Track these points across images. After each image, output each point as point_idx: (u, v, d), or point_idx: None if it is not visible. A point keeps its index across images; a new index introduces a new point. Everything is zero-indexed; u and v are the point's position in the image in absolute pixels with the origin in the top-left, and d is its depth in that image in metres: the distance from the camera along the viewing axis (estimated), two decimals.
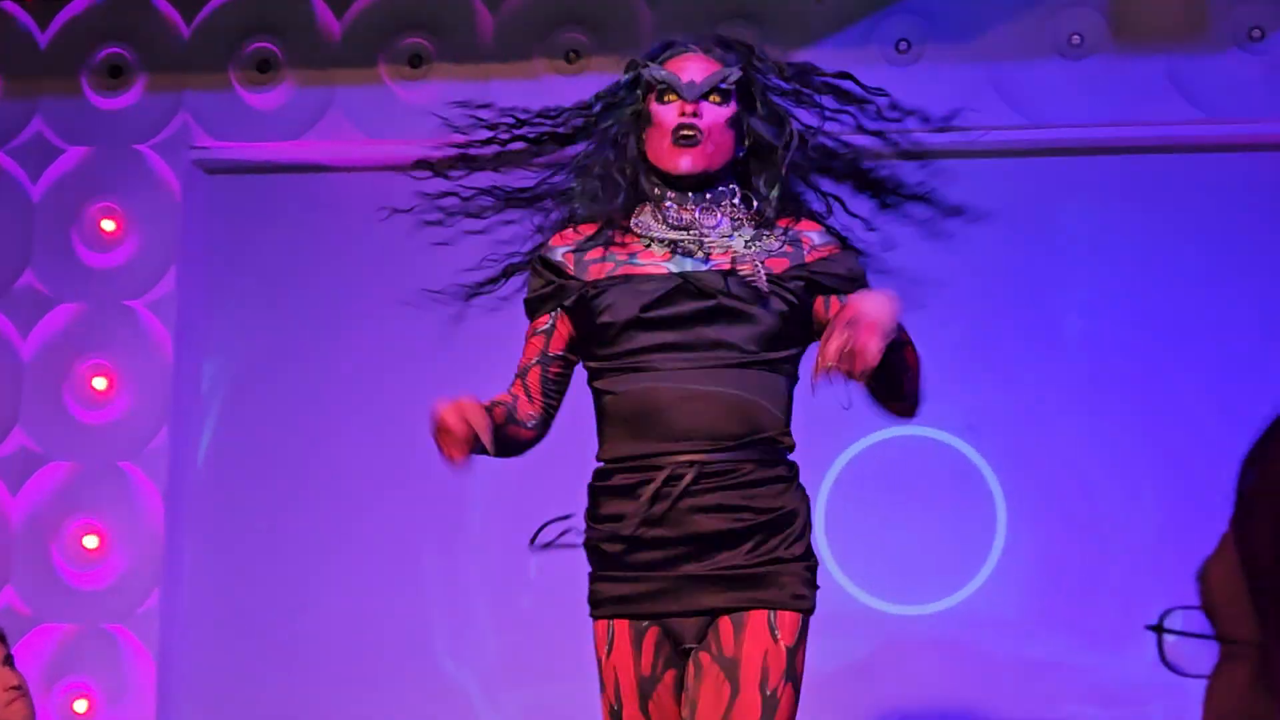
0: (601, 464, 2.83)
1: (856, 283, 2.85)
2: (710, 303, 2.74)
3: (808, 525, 2.79)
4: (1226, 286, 4.77)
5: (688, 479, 2.66)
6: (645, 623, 2.75)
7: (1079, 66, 4.83)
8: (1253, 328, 4.79)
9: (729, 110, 2.81)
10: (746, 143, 2.86)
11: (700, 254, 2.78)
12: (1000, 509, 4.89)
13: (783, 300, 2.76)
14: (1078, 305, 4.90)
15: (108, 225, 4.99)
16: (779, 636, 2.69)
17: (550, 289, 2.85)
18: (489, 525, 4.92)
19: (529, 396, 2.85)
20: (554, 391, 2.88)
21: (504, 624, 4.91)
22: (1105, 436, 4.86)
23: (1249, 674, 0.65)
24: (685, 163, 2.79)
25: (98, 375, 4.93)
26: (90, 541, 4.99)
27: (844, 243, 2.93)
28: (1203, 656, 0.69)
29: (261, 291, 5.06)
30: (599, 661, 2.82)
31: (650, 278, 2.78)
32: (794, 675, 2.73)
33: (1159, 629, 0.72)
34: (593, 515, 2.80)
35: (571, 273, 2.83)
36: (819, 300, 2.82)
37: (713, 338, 2.73)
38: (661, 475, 2.68)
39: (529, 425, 2.83)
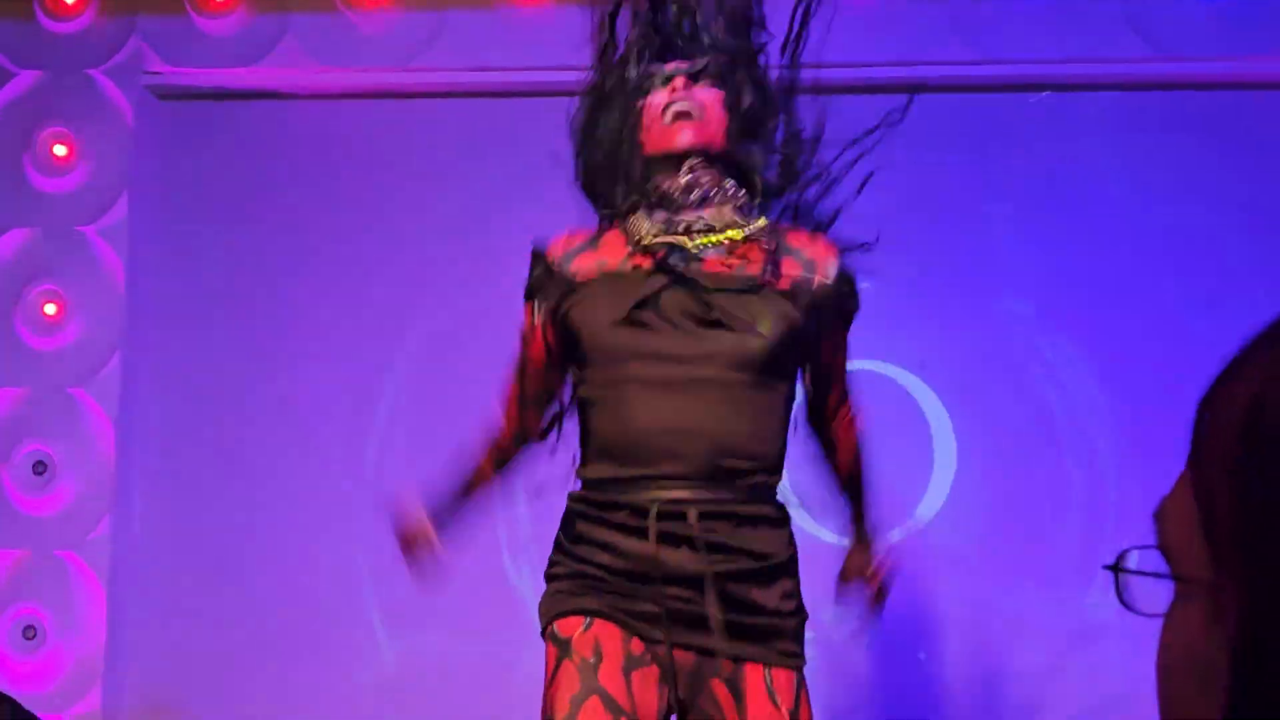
0: (580, 482, 2.69)
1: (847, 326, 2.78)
2: (701, 305, 2.57)
3: (798, 578, 2.67)
4: (1182, 223, 4.81)
5: (691, 517, 2.51)
6: (630, 635, 2.55)
7: (1036, 4, 4.87)
8: (1209, 264, 4.83)
9: (720, 93, 2.68)
10: (738, 144, 2.72)
11: (694, 248, 2.62)
12: (951, 444, 4.96)
13: (785, 314, 2.60)
14: (1032, 240, 4.94)
15: (59, 150, 4.96)
16: (779, 702, 2.54)
17: (537, 281, 2.74)
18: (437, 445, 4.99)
19: (515, 417, 2.78)
20: (540, 403, 2.78)
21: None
22: (1059, 373, 4.90)
23: (1203, 613, 0.67)
24: (686, 135, 2.65)
25: (49, 301, 4.90)
26: (40, 468, 4.98)
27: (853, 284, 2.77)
28: (1159, 596, 0.70)
29: (214, 219, 5.05)
30: (554, 664, 2.58)
31: (637, 276, 2.62)
32: None
33: (1116, 568, 0.73)
34: (572, 539, 2.63)
35: (557, 271, 2.69)
36: (825, 343, 2.71)
37: (701, 351, 2.55)
38: (653, 513, 2.52)
39: (517, 447, 2.79)
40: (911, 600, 4.86)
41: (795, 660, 2.59)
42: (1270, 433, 0.66)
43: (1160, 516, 0.72)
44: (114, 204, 4.95)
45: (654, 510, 2.49)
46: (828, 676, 4.41)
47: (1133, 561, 0.72)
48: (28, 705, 4.21)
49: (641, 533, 2.49)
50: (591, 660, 2.50)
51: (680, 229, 2.62)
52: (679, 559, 2.50)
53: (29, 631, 4.85)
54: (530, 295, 2.74)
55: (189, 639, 5.04)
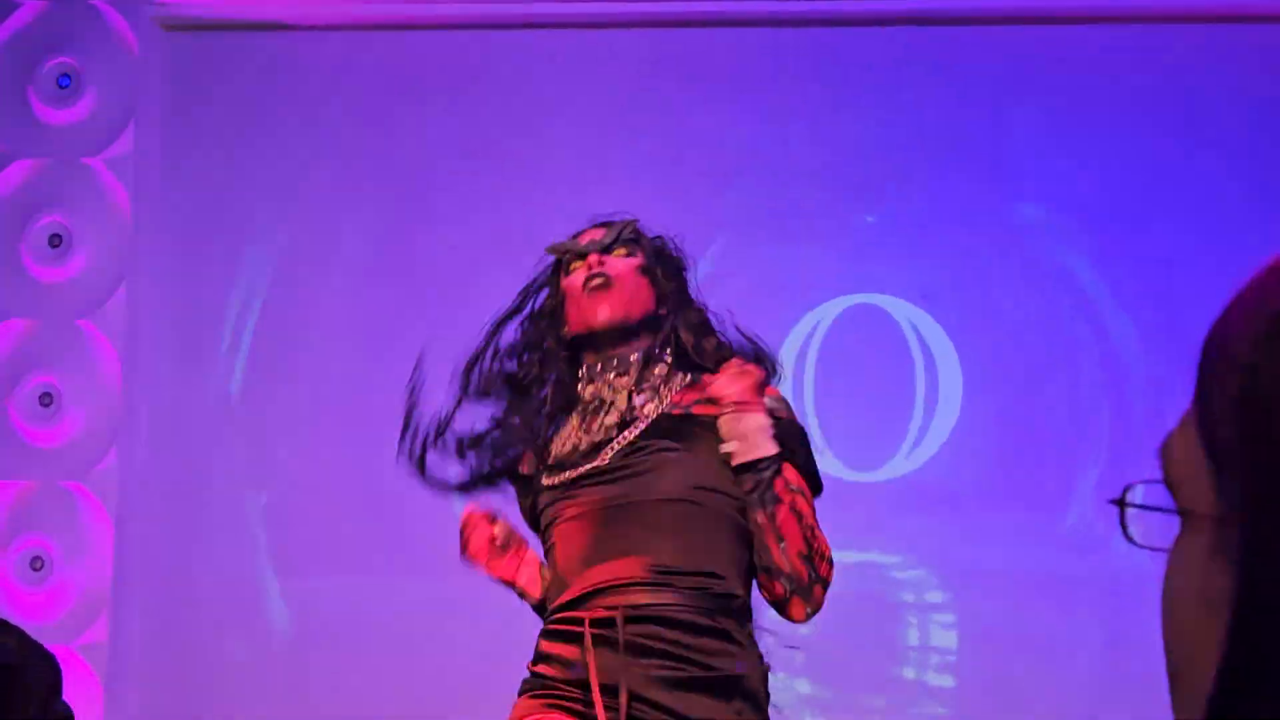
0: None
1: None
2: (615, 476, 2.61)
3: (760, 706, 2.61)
4: (1187, 155, 4.87)
5: (618, 620, 2.53)
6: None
7: None
8: (1210, 200, 4.86)
9: (637, 260, 2.71)
10: (663, 306, 2.73)
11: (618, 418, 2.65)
12: (957, 376, 5.01)
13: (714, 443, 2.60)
14: (1034, 174, 4.98)
15: (65, 82, 5.00)
16: None
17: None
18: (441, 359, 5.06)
19: None
20: None
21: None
22: (1061, 305, 4.97)
23: (1208, 546, 0.68)
24: (603, 311, 2.65)
25: (54, 233, 4.96)
26: (46, 399, 5.04)
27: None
28: (1164, 530, 0.71)
29: (220, 150, 5.10)
30: None
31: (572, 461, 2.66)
32: None
33: (1121, 502, 0.74)
34: (533, 660, 2.68)
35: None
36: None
37: (635, 483, 2.61)
38: (587, 621, 2.57)
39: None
40: (912, 543, 5.11)
41: None
42: (1277, 366, 0.67)
43: (1165, 451, 0.72)
44: (120, 135, 4.98)
45: (588, 619, 2.52)
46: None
47: (1138, 495, 0.73)
48: (35, 636, 4.23)
49: (579, 638, 2.52)
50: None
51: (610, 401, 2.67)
52: (605, 663, 2.50)
53: (36, 562, 4.91)
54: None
55: (196, 569, 5.10)
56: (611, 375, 2.70)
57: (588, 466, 2.60)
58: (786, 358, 5.03)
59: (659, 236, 2.81)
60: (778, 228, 5.13)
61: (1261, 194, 4.74)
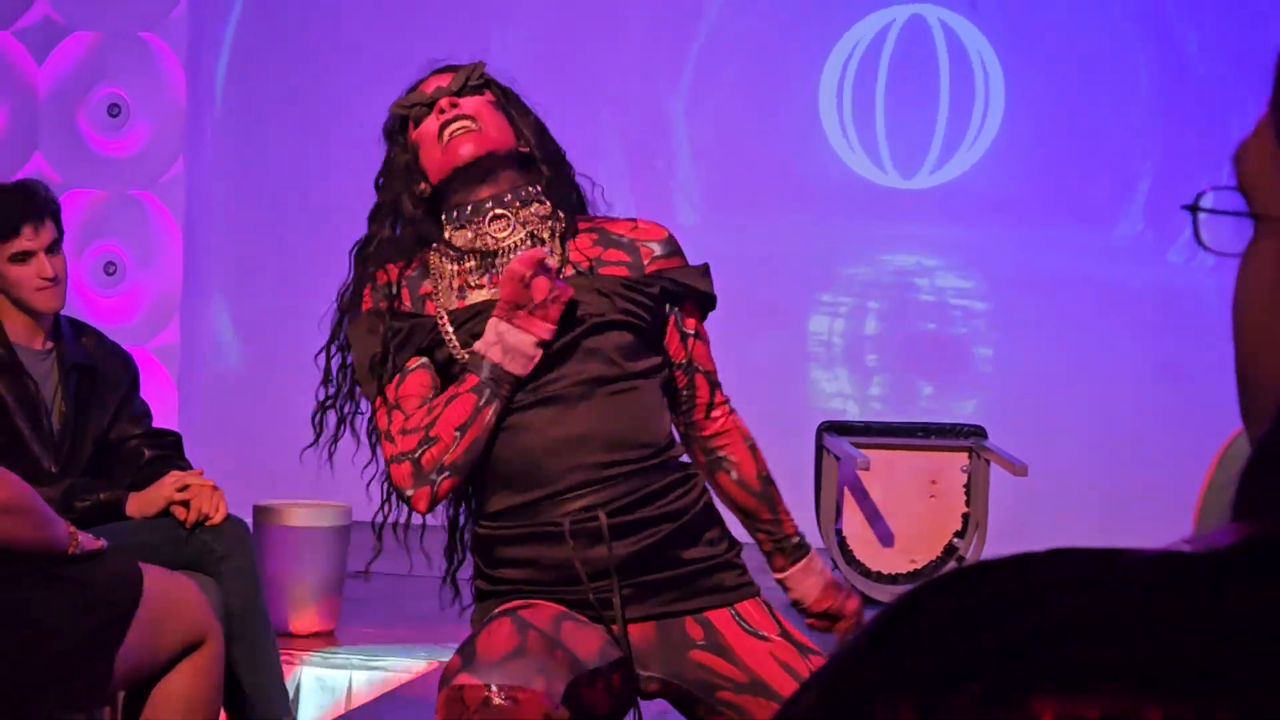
0: (481, 524, 2.61)
1: (708, 296, 2.66)
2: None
3: (719, 518, 2.61)
4: None
5: (601, 523, 2.48)
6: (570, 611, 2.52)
7: None
8: None
9: (490, 97, 2.60)
10: (523, 142, 2.62)
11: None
12: (1000, 85, 5.19)
13: (631, 309, 2.55)
14: None
15: None
16: (763, 631, 2.53)
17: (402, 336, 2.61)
18: None
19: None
20: None
21: None
22: (1116, 10, 5.17)
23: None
24: (466, 149, 2.53)
25: None
26: (115, 110, 5.27)
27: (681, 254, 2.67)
28: (1236, 234, 0.70)
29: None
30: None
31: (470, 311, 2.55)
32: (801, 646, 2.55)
33: (1194, 208, 0.72)
34: (490, 563, 2.59)
35: (409, 309, 2.61)
36: (672, 316, 2.63)
37: (564, 365, 2.53)
38: (568, 530, 2.48)
39: None
40: (956, 244, 5.36)
41: (750, 588, 2.57)
42: None
43: (1239, 156, 0.70)
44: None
45: (567, 524, 2.46)
46: None
47: (1209, 201, 0.71)
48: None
49: (559, 538, 2.47)
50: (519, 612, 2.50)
51: (485, 249, 2.55)
52: (595, 556, 2.48)
53: (109, 268, 5.21)
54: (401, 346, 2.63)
55: (258, 273, 5.42)
56: (486, 220, 2.57)
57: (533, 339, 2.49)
58: (831, 72, 5.38)
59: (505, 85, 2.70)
60: None
61: None
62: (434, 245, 2.59)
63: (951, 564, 4.88)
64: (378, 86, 5.31)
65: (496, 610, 2.44)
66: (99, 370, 4.07)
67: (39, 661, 3.42)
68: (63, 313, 3.97)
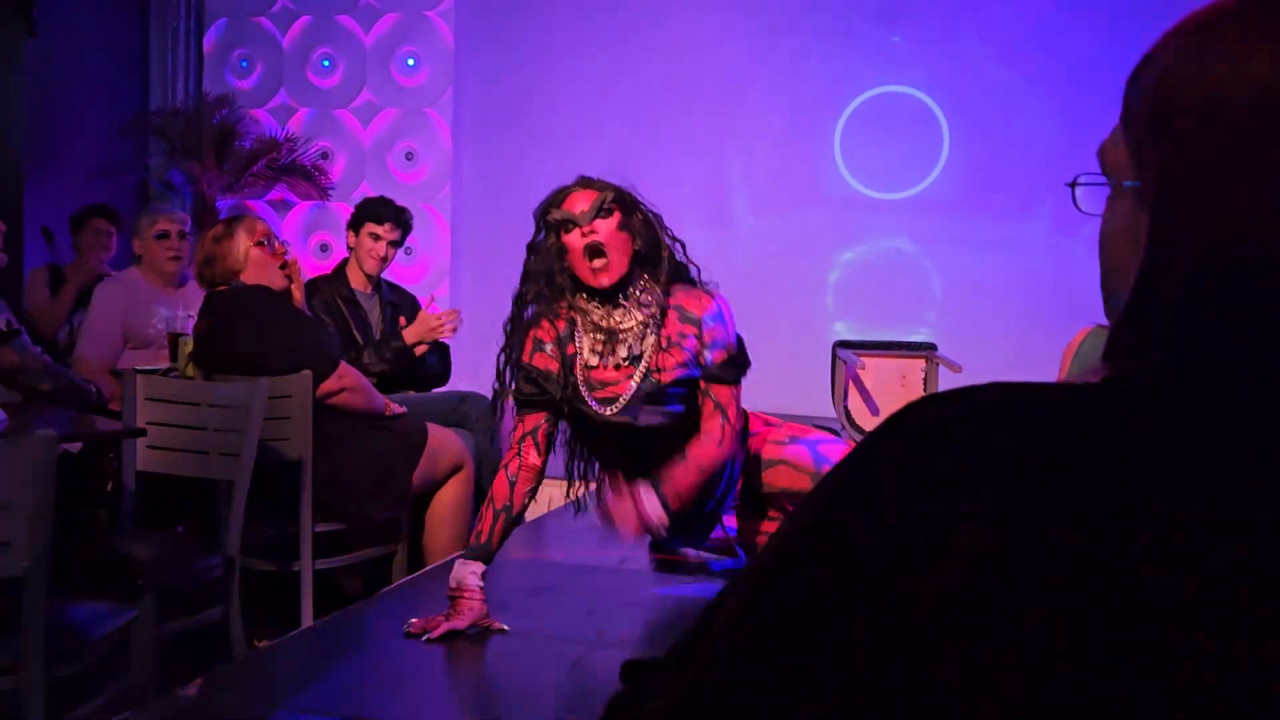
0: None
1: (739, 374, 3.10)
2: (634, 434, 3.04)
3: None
4: None
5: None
6: None
7: None
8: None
9: (617, 217, 2.97)
10: (638, 242, 3.00)
11: (616, 362, 2.99)
12: (946, 135, 6.77)
13: (684, 395, 3.03)
14: None
15: None
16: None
17: (543, 397, 3.05)
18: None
19: (538, 452, 3.05)
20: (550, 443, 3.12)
21: None
22: (1027, 90, 6.55)
23: (1131, 205, 0.80)
24: (604, 279, 2.94)
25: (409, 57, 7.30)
26: (409, 156, 7.25)
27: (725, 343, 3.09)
28: (1096, 202, 0.86)
29: None
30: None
31: (600, 408, 3.01)
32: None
33: (1073, 184, 0.86)
34: None
35: (556, 370, 3.03)
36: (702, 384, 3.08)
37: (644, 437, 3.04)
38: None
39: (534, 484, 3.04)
40: (922, 234, 6.69)
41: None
42: (1183, 69, 0.78)
43: (1102, 152, 0.84)
44: None
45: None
46: None
47: (1083, 179, 0.85)
48: (403, 201, 5.37)
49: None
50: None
51: (608, 331, 3.02)
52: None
53: (408, 250, 6.85)
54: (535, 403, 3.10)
55: (498, 263, 6.23)
56: (612, 309, 3.00)
57: (620, 405, 3.00)
58: (842, 124, 6.73)
59: (622, 189, 3.04)
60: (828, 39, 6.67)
61: None
62: (575, 305, 3.02)
63: None
64: (575, 112, 6.91)
65: None
66: (398, 305, 5.22)
67: (371, 476, 4.22)
68: (383, 275, 5.19)
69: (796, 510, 0.78)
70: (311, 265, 6.93)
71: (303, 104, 7.53)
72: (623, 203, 2.98)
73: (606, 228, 2.93)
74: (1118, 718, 0.63)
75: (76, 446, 4.33)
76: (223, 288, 4.32)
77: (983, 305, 6.67)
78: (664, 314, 2.97)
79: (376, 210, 5.11)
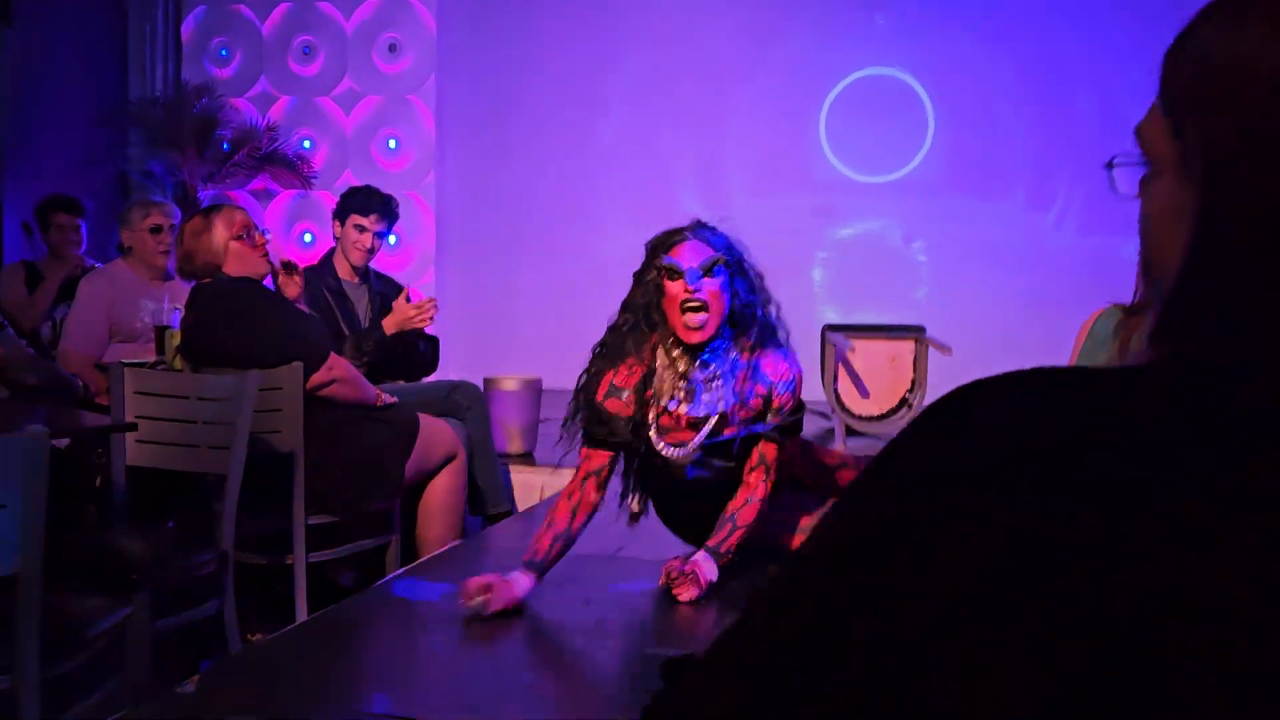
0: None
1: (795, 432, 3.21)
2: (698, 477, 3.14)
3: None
4: None
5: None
6: None
7: None
8: None
9: (720, 279, 2.98)
10: (736, 303, 3.02)
11: (687, 407, 3.06)
12: (931, 117, 6.90)
13: (740, 448, 3.11)
14: None
15: None
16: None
17: (614, 438, 3.11)
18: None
19: (597, 489, 3.10)
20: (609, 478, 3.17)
21: None
22: (1010, 70, 6.68)
23: (1174, 180, 0.78)
24: (696, 337, 2.98)
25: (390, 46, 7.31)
26: (392, 143, 7.28)
27: (797, 399, 3.16)
28: (1129, 183, 0.83)
29: None
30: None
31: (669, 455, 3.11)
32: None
33: (1110, 165, 0.82)
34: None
35: (629, 414, 3.08)
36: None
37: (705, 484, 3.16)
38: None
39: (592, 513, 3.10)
40: (906, 214, 6.88)
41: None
42: (1230, 45, 0.76)
43: (1140, 131, 0.81)
44: None
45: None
46: None
47: (1119, 160, 0.82)
48: (388, 189, 5.45)
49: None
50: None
51: (689, 385, 3.07)
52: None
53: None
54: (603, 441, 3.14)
55: (481, 245, 7.05)
56: (695, 361, 3.05)
57: (686, 450, 3.09)
58: (827, 109, 6.85)
59: (734, 245, 3.08)
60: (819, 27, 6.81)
61: None
62: (664, 345, 3.06)
63: (903, 411, 5.56)
64: (552, 115, 7.12)
65: None
66: (386, 295, 5.13)
67: (363, 468, 4.17)
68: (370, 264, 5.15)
69: (828, 511, 0.78)
70: (296, 255, 6.92)
71: (284, 92, 7.54)
72: (731, 264, 3.02)
73: (711, 288, 2.96)
74: (1119, 715, 0.62)
75: (64, 441, 4.28)
76: (207, 280, 4.28)
77: (970, 286, 6.78)
78: (744, 370, 3.02)
79: (362, 201, 5.04)
